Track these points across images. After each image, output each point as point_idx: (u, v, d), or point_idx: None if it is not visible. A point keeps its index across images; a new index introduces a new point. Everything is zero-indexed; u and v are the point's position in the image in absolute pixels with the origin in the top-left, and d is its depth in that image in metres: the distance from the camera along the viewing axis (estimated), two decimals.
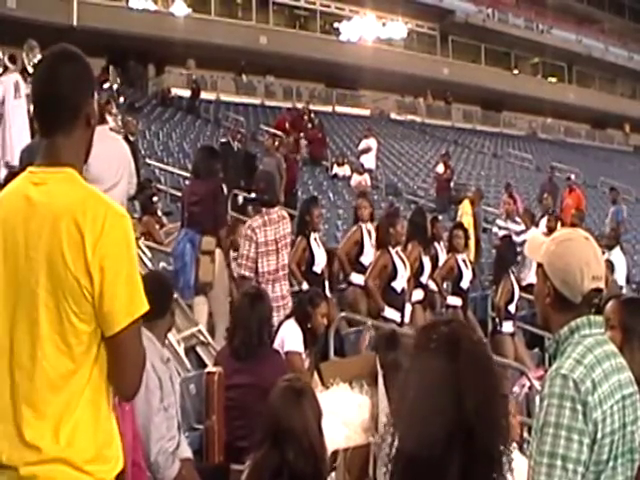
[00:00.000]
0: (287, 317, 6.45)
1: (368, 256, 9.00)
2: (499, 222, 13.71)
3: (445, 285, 9.93)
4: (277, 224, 7.49)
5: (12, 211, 2.45)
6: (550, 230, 11.77)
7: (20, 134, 10.01)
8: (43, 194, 2.42)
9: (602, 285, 2.67)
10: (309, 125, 24.64)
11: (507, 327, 9.25)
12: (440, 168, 20.69)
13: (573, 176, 20.77)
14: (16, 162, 9.68)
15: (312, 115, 25.62)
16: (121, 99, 17.23)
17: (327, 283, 8.41)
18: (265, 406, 3.81)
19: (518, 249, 9.61)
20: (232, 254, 8.06)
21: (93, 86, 2.61)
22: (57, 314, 2.38)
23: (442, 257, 9.92)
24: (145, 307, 2.45)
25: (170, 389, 4.51)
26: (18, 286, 2.42)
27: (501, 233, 12.84)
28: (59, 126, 2.48)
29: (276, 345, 5.97)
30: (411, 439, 2.04)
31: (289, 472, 3.59)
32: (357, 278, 8.99)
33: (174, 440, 4.55)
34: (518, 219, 13.58)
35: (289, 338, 6.16)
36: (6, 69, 10.54)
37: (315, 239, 8.17)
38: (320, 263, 8.14)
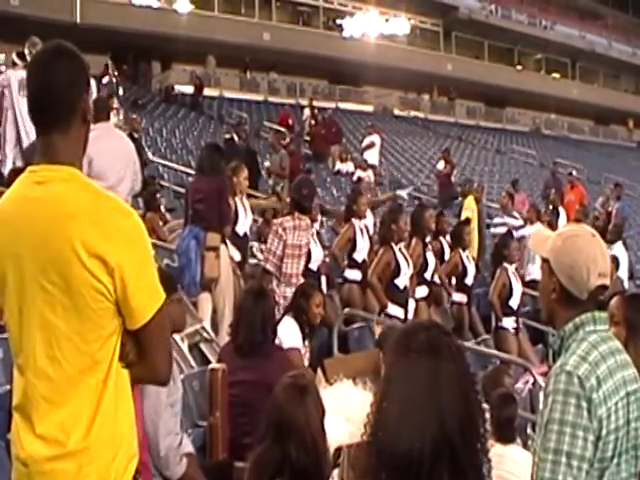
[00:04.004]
0: (283, 314, 6.47)
1: (361, 252, 9.07)
2: (495, 220, 13.66)
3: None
4: (304, 231, 7.58)
5: (17, 212, 2.44)
6: (548, 224, 11.75)
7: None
8: (49, 194, 2.41)
9: (608, 282, 2.67)
10: (312, 121, 24.66)
11: (508, 323, 9.18)
12: (440, 164, 20.70)
13: (574, 172, 20.70)
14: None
15: (316, 111, 25.65)
16: (121, 91, 17.21)
17: (324, 280, 8.42)
18: (269, 402, 3.81)
19: (516, 244, 9.58)
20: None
21: (88, 82, 2.57)
22: (75, 313, 2.38)
23: (447, 252, 9.92)
24: (163, 295, 2.48)
25: (175, 386, 4.52)
26: (25, 288, 2.40)
27: (497, 230, 12.84)
28: (55, 123, 2.46)
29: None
30: (395, 447, 2.02)
31: (290, 468, 3.59)
32: (352, 274, 9.03)
33: (178, 436, 4.56)
34: (516, 214, 13.58)
35: (287, 335, 6.19)
36: (14, 65, 10.53)
37: (312, 234, 8.15)
38: (316, 260, 8.13)
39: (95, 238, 2.35)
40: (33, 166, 2.50)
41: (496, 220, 13.59)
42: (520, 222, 13.21)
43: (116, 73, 18.29)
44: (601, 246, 2.69)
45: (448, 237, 10.18)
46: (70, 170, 2.45)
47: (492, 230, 13.21)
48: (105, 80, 18.88)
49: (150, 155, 17.05)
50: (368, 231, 9.45)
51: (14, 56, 10.63)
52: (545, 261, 2.72)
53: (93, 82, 11.68)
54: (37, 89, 2.49)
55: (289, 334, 6.23)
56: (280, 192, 13.90)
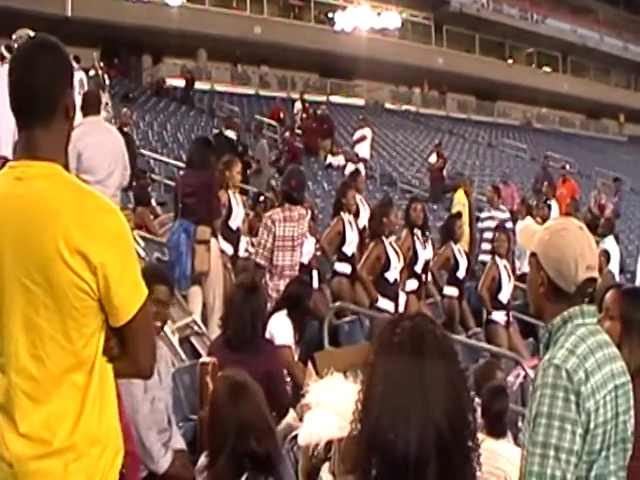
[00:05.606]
0: (274, 310, 6.46)
1: (351, 246, 9.05)
2: (482, 214, 13.62)
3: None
4: (296, 222, 7.57)
5: None
6: (541, 218, 11.74)
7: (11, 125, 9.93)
8: (31, 191, 2.37)
9: (596, 274, 2.66)
10: (304, 115, 24.65)
11: (498, 316, 9.20)
12: (433, 158, 20.72)
13: (567, 166, 20.74)
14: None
15: (307, 105, 25.64)
16: (107, 81, 17.13)
17: (315, 273, 8.42)
18: (213, 409, 3.83)
19: (503, 237, 9.59)
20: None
21: (72, 77, 2.53)
22: (58, 312, 2.36)
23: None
24: (146, 291, 2.46)
25: (156, 382, 4.48)
26: (5, 285, 2.37)
27: (485, 224, 12.82)
28: (37, 119, 2.42)
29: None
30: (380, 432, 2.03)
31: (256, 460, 3.61)
32: (341, 267, 9.03)
33: (166, 433, 4.55)
34: (502, 207, 13.57)
35: (279, 332, 6.20)
36: (3, 59, 10.45)
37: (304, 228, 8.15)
38: (308, 253, 8.13)
39: (79, 236, 2.32)
40: (13, 162, 2.47)
41: (483, 214, 13.54)
42: (507, 215, 13.21)
43: (102, 65, 18.20)
44: (589, 239, 2.68)
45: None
46: (52, 166, 2.41)
47: (479, 225, 13.14)
48: (92, 73, 18.83)
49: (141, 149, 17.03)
50: (357, 224, 9.44)
51: (3, 49, 10.57)
52: (533, 255, 2.72)
53: (84, 76, 11.63)
54: (18, 84, 2.44)
55: (281, 331, 6.23)
56: (275, 187, 13.90)
